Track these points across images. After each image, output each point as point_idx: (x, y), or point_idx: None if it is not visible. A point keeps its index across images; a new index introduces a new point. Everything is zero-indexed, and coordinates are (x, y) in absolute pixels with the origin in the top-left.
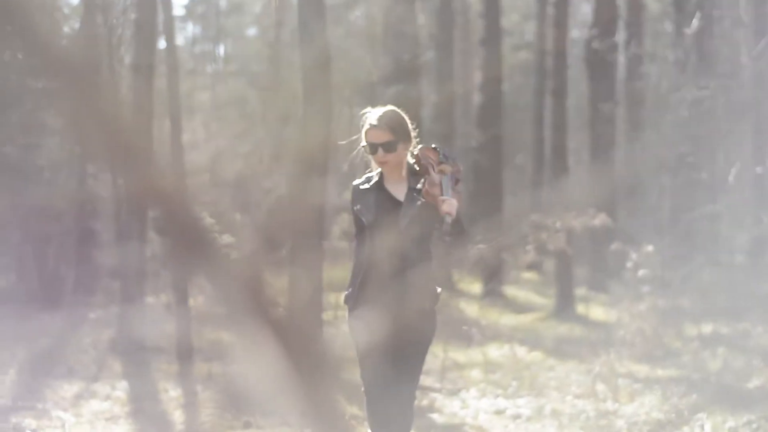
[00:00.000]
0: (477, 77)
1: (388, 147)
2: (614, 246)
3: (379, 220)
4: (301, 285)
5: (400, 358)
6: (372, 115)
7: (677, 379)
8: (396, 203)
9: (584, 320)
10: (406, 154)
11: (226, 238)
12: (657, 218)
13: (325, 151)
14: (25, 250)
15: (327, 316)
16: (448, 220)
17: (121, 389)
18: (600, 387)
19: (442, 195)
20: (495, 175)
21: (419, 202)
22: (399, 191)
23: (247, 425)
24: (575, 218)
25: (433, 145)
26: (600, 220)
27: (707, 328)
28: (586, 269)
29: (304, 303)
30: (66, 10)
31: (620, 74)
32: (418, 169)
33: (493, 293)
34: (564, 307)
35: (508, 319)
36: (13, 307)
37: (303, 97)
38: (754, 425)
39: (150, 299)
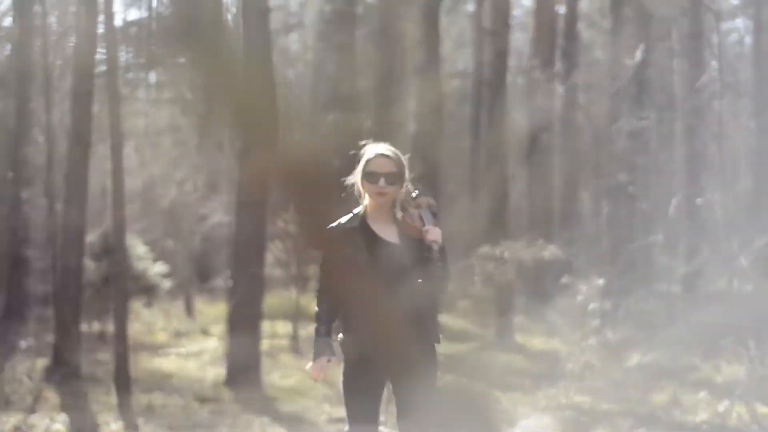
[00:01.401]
0: (413, 105)
1: (392, 178)
2: (565, 279)
3: (372, 261)
4: (241, 316)
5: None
6: (377, 146)
7: (623, 413)
8: (383, 243)
9: (524, 350)
10: (397, 196)
11: (160, 266)
12: (595, 248)
13: (266, 179)
14: None
15: (264, 345)
16: (435, 247)
17: (60, 422)
18: (547, 420)
19: (424, 226)
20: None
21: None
22: (387, 232)
23: None
24: (523, 249)
25: (408, 186)
26: (549, 252)
27: (648, 360)
28: (523, 297)
29: (244, 333)
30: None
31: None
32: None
33: None
34: (503, 337)
35: (446, 348)
36: None
37: (245, 125)
38: None
39: (84, 327)
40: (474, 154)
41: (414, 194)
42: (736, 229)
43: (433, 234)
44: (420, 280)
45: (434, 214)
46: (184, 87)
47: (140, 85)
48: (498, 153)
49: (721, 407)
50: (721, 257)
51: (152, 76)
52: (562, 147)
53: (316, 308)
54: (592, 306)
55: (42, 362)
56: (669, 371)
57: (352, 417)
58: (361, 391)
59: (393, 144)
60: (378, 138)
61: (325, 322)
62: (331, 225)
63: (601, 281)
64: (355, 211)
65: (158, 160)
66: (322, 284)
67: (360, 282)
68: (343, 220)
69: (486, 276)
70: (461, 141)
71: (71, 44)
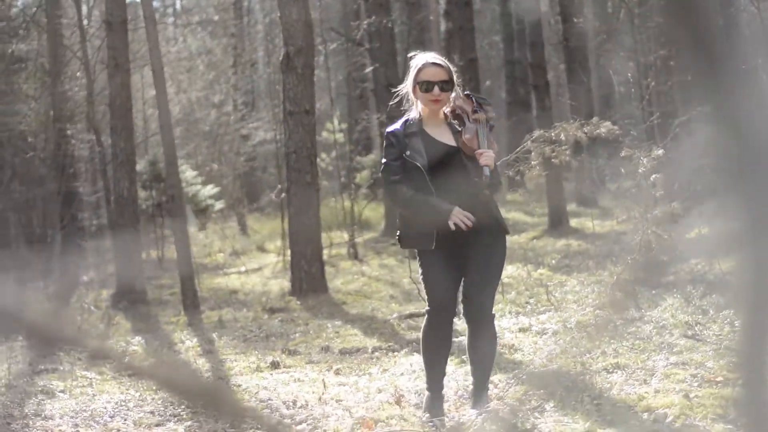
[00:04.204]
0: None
1: (445, 85)
2: (624, 153)
3: (432, 163)
4: (301, 226)
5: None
6: (425, 55)
7: (693, 282)
8: (442, 146)
9: (581, 234)
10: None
11: (210, 189)
12: (640, 125)
13: (311, 87)
14: (8, 217)
15: (325, 254)
16: (487, 172)
17: (136, 344)
18: (618, 295)
19: (479, 146)
20: None
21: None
22: (444, 136)
23: (275, 365)
24: (579, 129)
25: (466, 92)
26: (606, 128)
27: (707, 231)
28: (571, 184)
29: (305, 242)
30: None
31: None
32: (452, 119)
33: None
34: (558, 224)
35: None
36: (2, 276)
37: (284, 35)
38: None
39: (142, 255)
40: (507, 47)
41: (473, 102)
42: None
43: (487, 158)
44: (477, 180)
45: (491, 128)
46: (212, 9)
47: (166, 13)
48: (537, 41)
49: None
50: None
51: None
52: (596, 30)
53: (404, 189)
54: (654, 177)
55: (107, 292)
56: (730, 240)
57: (432, 295)
58: (440, 270)
59: (427, 44)
60: (413, 37)
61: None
62: (390, 128)
63: (660, 152)
64: (409, 117)
65: (194, 84)
66: (398, 176)
67: (423, 182)
68: (400, 125)
69: (543, 159)
70: (492, 35)
71: None
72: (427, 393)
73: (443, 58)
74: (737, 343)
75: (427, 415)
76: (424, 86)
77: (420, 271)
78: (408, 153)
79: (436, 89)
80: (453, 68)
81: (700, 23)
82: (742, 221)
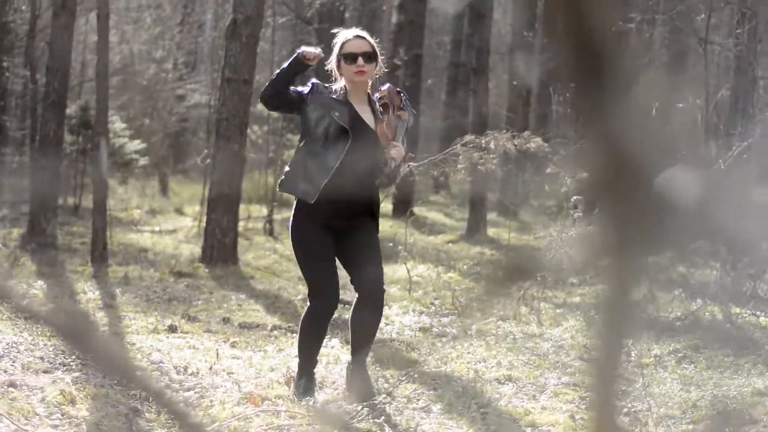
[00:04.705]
0: None
1: (369, 57)
2: (550, 170)
3: (353, 133)
4: (221, 193)
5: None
6: (351, 30)
7: (597, 306)
8: (363, 123)
9: (496, 244)
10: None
11: (137, 143)
12: (571, 146)
13: (254, 57)
14: None
15: (239, 227)
16: (392, 165)
17: (38, 288)
18: (522, 310)
19: (394, 139)
20: (414, 95)
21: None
22: (365, 114)
23: (172, 329)
24: (510, 140)
25: (398, 89)
26: (536, 143)
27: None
28: (495, 194)
29: (223, 211)
30: None
31: None
32: (380, 105)
33: (402, 213)
34: (476, 231)
35: (420, 240)
36: None
37: (234, 2)
38: (680, 354)
39: (59, 200)
40: (454, 48)
41: (403, 100)
42: (715, 134)
43: (397, 153)
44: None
45: (407, 129)
46: None
47: None
48: (484, 45)
49: (695, 306)
50: (698, 162)
51: None
52: (543, 46)
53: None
54: (575, 198)
55: (18, 231)
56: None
57: (321, 287)
58: (313, 237)
59: (375, 34)
60: (363, 26)
61: None
62: (317, 82)
63: (585, 174)
64: (337, 86)
65: (138, 36)
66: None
67: (343, 146)
68: (328, 87)
69: (470, 164)
70: (442, 35)
71: None
72: (301, 379)
73: (368, 33)
74: (590, 364)
75: (301, 395)
76: (348, 59)
77: (297, 254)
78: (337, 115)
79: (360, 60)
80: (377, 44)
81: (596, 41)
82: (611, 243)
